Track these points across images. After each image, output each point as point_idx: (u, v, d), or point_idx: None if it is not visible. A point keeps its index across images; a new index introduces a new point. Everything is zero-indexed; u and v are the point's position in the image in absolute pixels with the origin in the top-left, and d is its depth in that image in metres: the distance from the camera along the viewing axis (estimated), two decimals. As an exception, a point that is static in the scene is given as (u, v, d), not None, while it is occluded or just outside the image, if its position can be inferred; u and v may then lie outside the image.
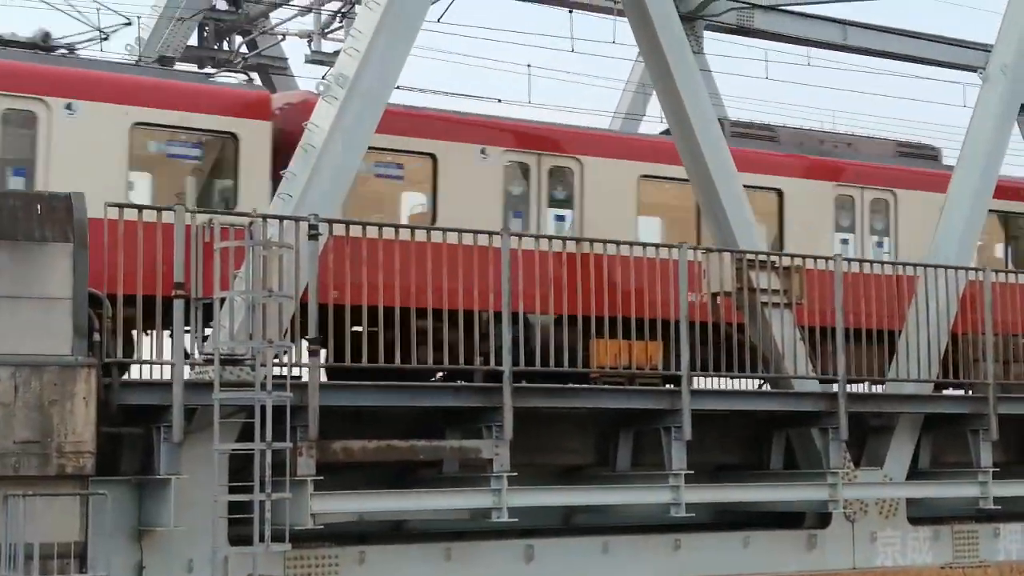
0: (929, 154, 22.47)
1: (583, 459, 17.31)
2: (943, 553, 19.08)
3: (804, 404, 17.36)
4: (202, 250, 13.64)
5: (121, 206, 13.48)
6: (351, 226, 14.63)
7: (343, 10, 22.08)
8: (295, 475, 13.62)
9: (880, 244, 21.29)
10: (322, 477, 13.98)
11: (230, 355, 13.63)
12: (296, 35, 22.74)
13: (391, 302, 14.62)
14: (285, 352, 13.75)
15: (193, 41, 23.02)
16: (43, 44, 16.18)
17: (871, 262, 18.49)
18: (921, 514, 19.07)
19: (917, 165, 21.87)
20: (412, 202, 18.29)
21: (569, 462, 17.30)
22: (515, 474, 15.04)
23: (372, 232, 14.81)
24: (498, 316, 14.99)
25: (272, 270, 13.79)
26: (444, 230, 15.61)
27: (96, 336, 13.22)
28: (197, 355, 14.04)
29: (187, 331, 13.71)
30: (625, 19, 18.17)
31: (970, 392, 19.21)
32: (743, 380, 18.06)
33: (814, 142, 21.47)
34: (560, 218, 18.74)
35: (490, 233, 15.38)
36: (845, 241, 21.01)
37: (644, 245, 16.64)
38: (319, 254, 14.20)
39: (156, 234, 13.55)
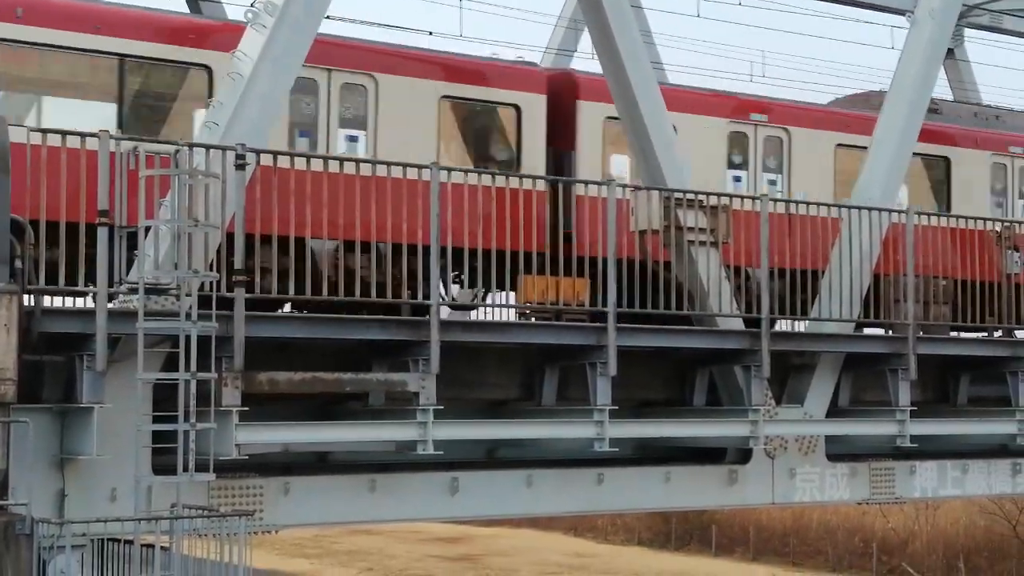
0: None
1: (508, 393, 17.41)
2: (860, 489, 19.45)
3: (728, 342, 17.56)
4: (127, 178, 13.48)
5: (44, 131, 13.28)
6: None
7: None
8: (220, 406, 13.59)
9: None
10: (247, 408, 13.95)
11: (154, 284, 13.52)
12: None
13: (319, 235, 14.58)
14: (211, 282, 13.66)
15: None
16: None
17: (796, 203, 18.66)
18: (840, 451, 19.40)
19: None
20: None
21: (495, 396, 17.40)
22: (441, 407, 15.09)
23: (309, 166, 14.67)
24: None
25: (198, 199, 13.66)
26: (373, 162, 15.50)
27: (18, 263, 13.06)
28: (121, 284, 13.91)
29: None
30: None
31: (890, 332, 19.51)
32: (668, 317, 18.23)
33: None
34: None
35: (419, 167, 15.33)
36: None
37: (573, 182, 16.68)
38: (246, 184, 14.08)
39: (80, 161, 13.36)
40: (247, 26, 15.33)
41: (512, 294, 17.47)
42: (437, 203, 14.98)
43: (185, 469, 12.99)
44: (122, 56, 16.60)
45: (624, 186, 17.38)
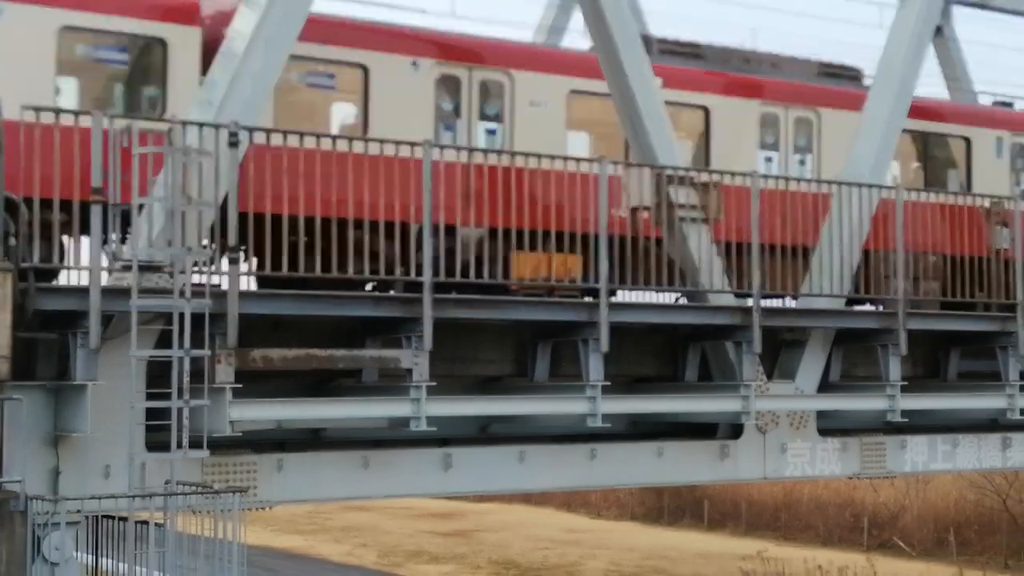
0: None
1: (501, 370, 17.49)
2: (851, 464, 19.56)
3: (719, 318, 17.63)
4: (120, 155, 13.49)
5: (38, 109, 13.29)
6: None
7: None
8: (213, 383, 13.64)
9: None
10: (241, 385, 14.00)
11: (148, 262, 13.55)
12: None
13: (313, 212, 14.62)
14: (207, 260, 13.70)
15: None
16: None
17: (787, 179, 18.69)
18: (831, 426, 19.51)
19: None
20: None
21: (488, 373, 17.47)
22: (434, 384, 15.16)
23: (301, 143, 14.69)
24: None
25: (192, 177, 13.69)
26: (367, 140, 15.52)
27: (12, 240, 13.10)
28: (115, 261, 13.93)
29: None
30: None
31: (880, 308, 19.60)
32: (660, 293, 18.29)
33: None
34: None
35: (413, 144, 15.35)
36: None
37: (565, 159, 16.69)
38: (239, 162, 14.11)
39: (74, 138, 13.37)
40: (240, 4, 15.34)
41: None
42: (430, 179, 15.02)
43: (179, 446, 13.04)
44: None
45: (616, 162, 17.42)
